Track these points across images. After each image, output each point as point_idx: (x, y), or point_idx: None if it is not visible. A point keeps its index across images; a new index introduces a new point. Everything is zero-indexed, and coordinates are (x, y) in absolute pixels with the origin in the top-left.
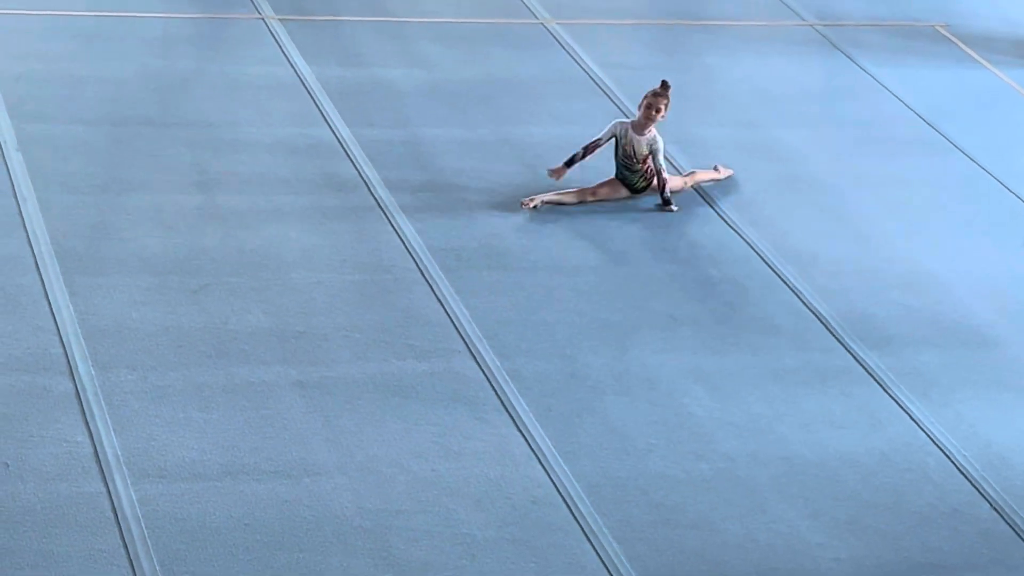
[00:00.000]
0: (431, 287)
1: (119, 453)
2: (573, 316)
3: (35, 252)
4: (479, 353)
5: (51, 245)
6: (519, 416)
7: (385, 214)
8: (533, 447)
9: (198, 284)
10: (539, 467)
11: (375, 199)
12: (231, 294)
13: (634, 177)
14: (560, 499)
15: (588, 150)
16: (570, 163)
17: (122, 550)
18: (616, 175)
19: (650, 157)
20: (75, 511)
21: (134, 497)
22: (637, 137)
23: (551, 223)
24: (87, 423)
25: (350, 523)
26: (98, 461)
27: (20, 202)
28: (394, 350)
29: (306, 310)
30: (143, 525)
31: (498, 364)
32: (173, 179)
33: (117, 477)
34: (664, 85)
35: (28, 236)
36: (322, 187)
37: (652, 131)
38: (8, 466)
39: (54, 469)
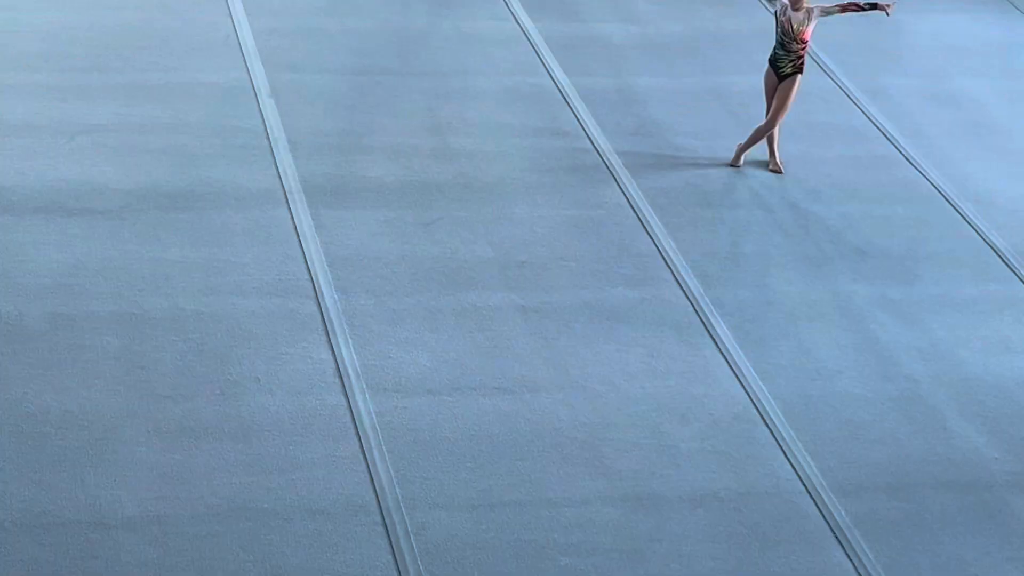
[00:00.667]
0: (641, 222)
1: (358, 369)
2: (770, 249)
3: (285, 188)
4: (684, 282)
5: (299, 182)
6: (721, 339)
7: (600, 156)
8: (733, 368)
9: (430, 218)
10: (739, 386)
11: (591, 142)
12: (460, 227)
13: (784, 60)
14: (758, 415)
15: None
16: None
17: (360, 457)
18: (769, 60)
19: (808, 31)
20: (318, 422)
21: (371, 409)
22: (794, 13)
23: (751, 163)
24: (330, 342)
25: (566, 435)
26: (339, 376)
27: (272, 143)
28: (607, 278)
29: (527, 242)
30: (379, 434)
31: (702, 292)
32: (409, 123)
33: (356, 391)
34: None
35: (279, 173)
36: (543, 131)
37: (806, 5)
38: (259, 381)
39: (300, 384)
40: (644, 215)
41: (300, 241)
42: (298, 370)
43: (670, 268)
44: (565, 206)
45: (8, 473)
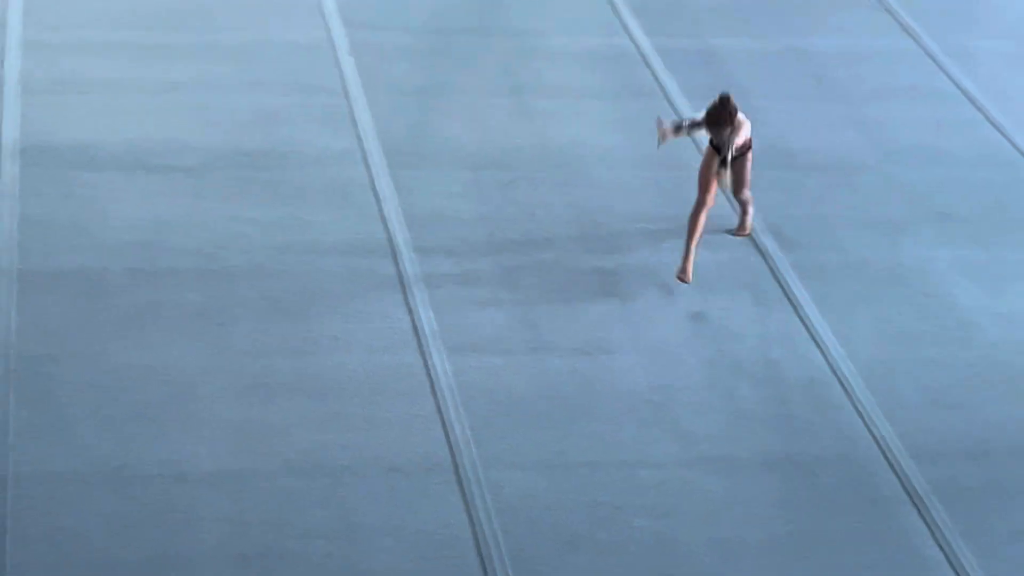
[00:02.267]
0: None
1: (435, 329)
2: (850, 212)
3: (363, 148)
4: (763, 244)
5: (378, 141)
6: (799, 303)
7: (679, 117)
8: (811, 331)
9: (508, 178)
10: (816, 350)
11: (669, 103)
12: (537, 188)
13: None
14: (835, 380)
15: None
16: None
17: (436, 416)
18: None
19: (742, 141)
20: (395, 380)
21: (448, 368)
22: (715, 132)
23: (834, 119)
24: (407, 301)
25: (641, 397)
26: (416, 335)
27: (351, 102)
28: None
29: (605, 203)
30: (456, 394)
31: (780, 255)
32: (487, 83)
33: (433, 350)
34: (722, 102)
35: (358, 133)
36: (621, 92)
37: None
38: (336, 339)
39: (377, 342)
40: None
41: (378, 200)
42: (375, 329)
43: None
44: (643, 168)
45: (89, 427)
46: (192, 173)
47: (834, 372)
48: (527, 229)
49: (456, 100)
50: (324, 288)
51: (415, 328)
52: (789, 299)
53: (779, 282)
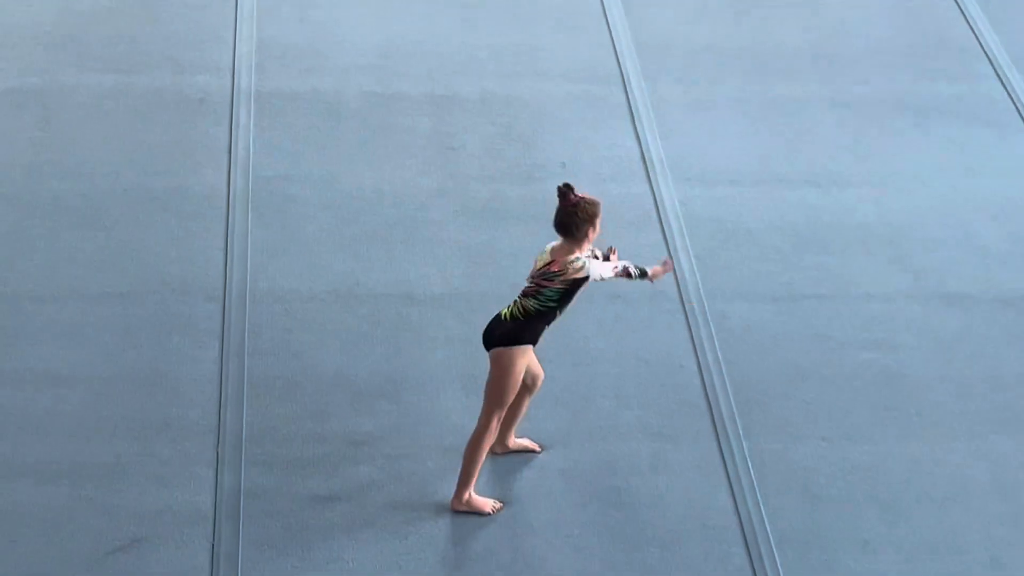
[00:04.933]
0: (963, 13)
1: (663, 158)
2: None
3: None
4: (1007, 78)
5: None
6: None
7: None
8: None
9: (742, 6)
10: None
11: None
12: (771, 14)
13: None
14: None
15: None
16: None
17: (663, 245)
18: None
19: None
20: (622, 209)
21: (675, 198)
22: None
23: None
24: (636, 130)
25: (872, 231)
26: (644, 165)
27: None
28: (923, 72)
29: (840, 31)
30: (682, 223)
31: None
32: None
33: (660, 180)
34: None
35: None
36: None
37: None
38: (564, 166)
39: (604, 170)
40: (965, 6)
41: (609, 27)
42: (603, 157)
43: (991, 63)
44: None
45: (324, 245)
46: None
47: None
48: (759, 58)
49: None
50: (552, 115)
51: (643, 157)
52: None
53: (1021, 115)
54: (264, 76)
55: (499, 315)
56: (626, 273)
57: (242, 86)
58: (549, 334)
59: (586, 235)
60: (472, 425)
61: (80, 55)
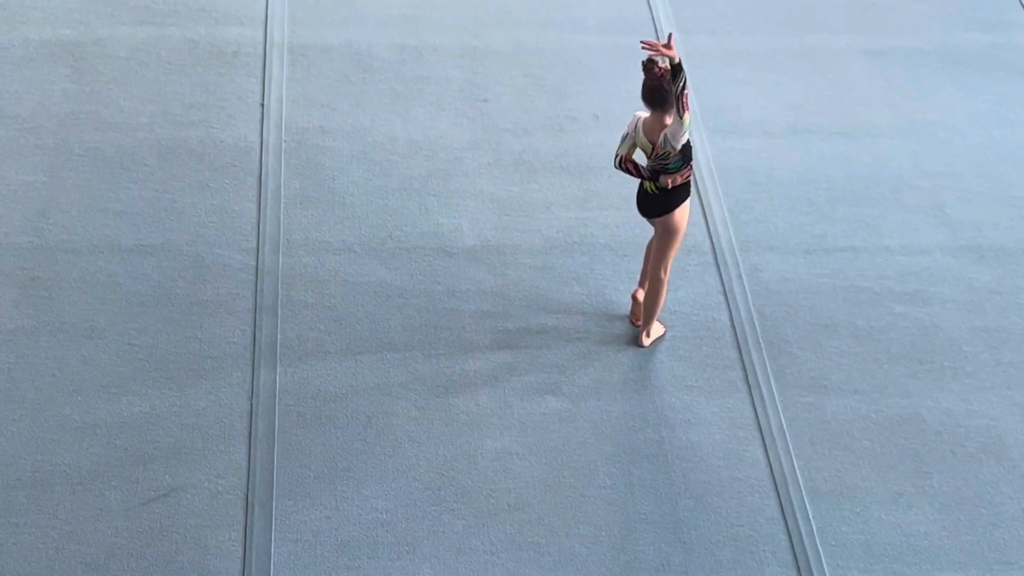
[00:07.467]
0: None
1: (696, 109)
2: None
3: None
4: None
5: None
6: None
7: None
8: None
9: None
10: None
11: None
12: None
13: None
14: None
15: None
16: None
17: (695, 197)
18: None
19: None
20: None
21: (708, 150)
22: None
23: None
24: None
25: (906, 182)
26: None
27: None
28: (958, 22)
29: None
30: (715, 175)
31: None
32: None
33: (693, 131)
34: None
35: None
36: None
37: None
38: (597, 118)
39: None
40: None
41: None
42: (636, 108)
43: None
44: None
45: (357, 198)
46: None
47: None
48: (792, 8)
49: None
50: (585, 66)
51: None
52: None
53: None
54: (297, 28)
55: (644, 190)
56: (684, 87)
57: (275, 38)
58: (579, 290)
59: (676, 99)
60: (508, 384)
61: (114, 7)
